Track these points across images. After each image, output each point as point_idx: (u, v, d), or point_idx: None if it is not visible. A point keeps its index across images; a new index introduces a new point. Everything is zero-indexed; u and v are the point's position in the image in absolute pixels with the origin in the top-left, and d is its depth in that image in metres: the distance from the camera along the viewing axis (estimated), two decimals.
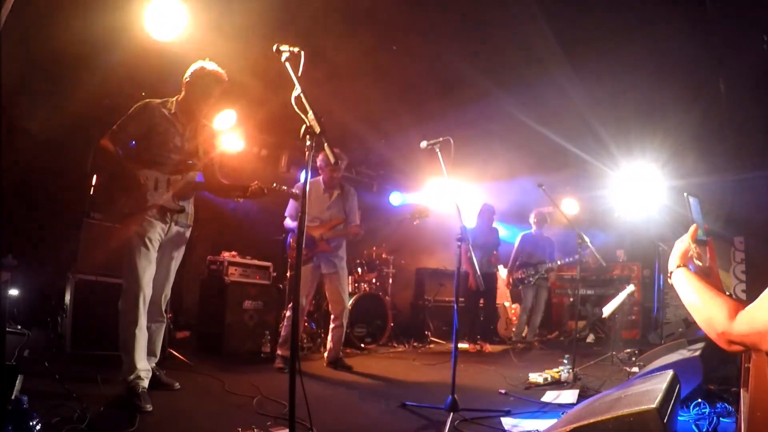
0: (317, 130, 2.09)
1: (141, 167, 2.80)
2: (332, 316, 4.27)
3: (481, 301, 6.25)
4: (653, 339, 6.69)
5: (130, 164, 2.78)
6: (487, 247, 6.24)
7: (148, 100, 2.92)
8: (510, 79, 4.83)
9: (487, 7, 3.85)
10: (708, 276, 1.38)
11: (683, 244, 1.42)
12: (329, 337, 4.29)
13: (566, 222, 6.53)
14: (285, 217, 4.28)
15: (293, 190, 3.28)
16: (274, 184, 3.10)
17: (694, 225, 1.46)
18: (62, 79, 4.18)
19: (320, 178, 4.27)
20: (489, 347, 6.06)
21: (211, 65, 2.90)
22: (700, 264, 1.40)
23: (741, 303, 1.17)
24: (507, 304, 7.59)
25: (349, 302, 5.36)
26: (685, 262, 1.38)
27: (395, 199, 8.24)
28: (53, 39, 3.73)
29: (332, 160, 2.43)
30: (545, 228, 6.76)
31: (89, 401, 2.44)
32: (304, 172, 2.12)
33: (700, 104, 5.00)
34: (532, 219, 6.77)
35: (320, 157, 4.09)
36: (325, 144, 2.20)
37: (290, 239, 4.29)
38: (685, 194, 1.52)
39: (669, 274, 1.38)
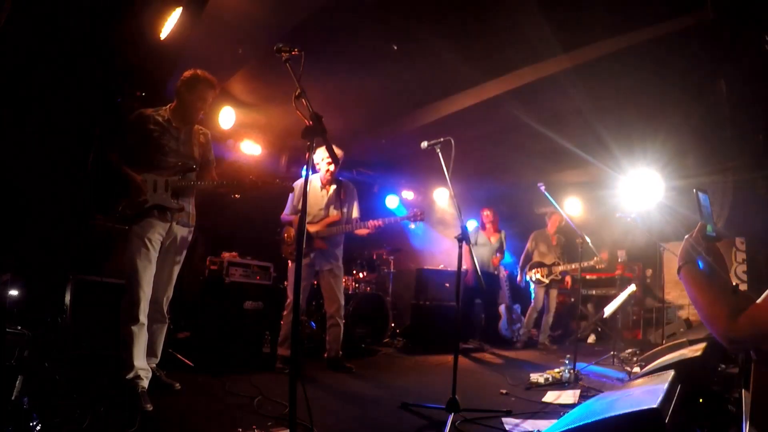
0: (317, 129, 2.10)
1: (140, 171, 2.88)
2: (327, 314, 4.26)
3: (478, 300, 6.24)
4: (655, 339, 6.68)
5: (130, 169, 2.86)
6: (489, 248, 6.23)
7: (141, 110, 3.03)
8: (511, 80, 4.83)
9: (489, 9, 3.84)
10: (716, 273, 1.36)
11: (691, 240, 1.41)
12: (327, 336, 4.28)
13: (567, 222, 6.55)
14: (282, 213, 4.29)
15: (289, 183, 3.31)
16: (277, 180, 3.13)
17: (702, 221, 1.44)
18: (62, 79, 4.18)
19: (317, 175, 4.28)
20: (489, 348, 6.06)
21: (203, 72, 3.02)
22: (708, 261, 1.38)
23: (746, 300, 1.16)
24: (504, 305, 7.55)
25: (350, 302, 5.37)
26: (693, 258, 1.37)
27: (391, 202, 8.23)
28: (54, 38, 3.73)
29: (333, 159, 2.45)
30: (560, 228, 6.70)
31: (89, 401, 2.44)
32: (304, 170, 2.12)
33: (702, 104, 4.99)
34: (547, 218, 6.76)
35: (315, 154, 4.09)
36: (325, 143, 2.22)
37: (284, 234, 4.28)
38: (695, 190, 1.50)
39: (677, 270, 1.38)
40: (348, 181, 4.42)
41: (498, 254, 6.30)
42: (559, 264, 6.46)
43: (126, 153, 2.92)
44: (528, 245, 6.73)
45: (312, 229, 4.13)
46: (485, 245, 6.27)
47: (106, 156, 2.92)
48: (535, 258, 6.60)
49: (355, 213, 4.34)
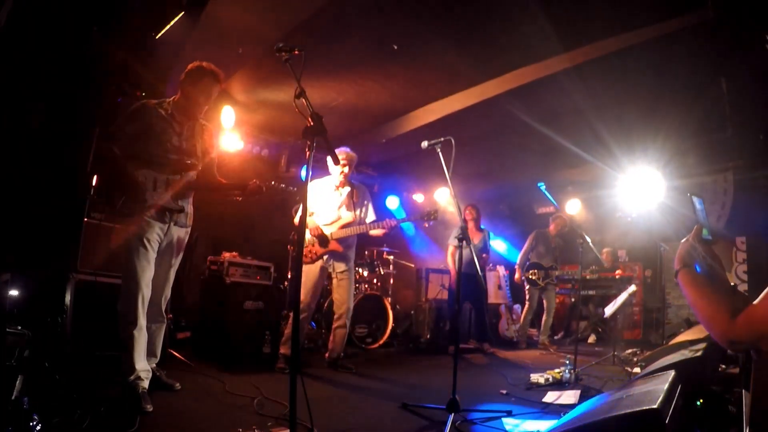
0: (318, 129, 2.10)
1: (140, 167, 2.79)
2: (335, 316, 4.25)
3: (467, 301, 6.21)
4: (655, 339, 6.68)
5: (129, 165, 2.78)
6: (474, 248, 6.19)
7: (144, 101, 2.92)
8: (511, 79, 4.82)
9: (490, 8, 3.84)
10: (713, 276, 1.37)
11: (687, 244, 1.42)
12: (331, 337, 4.27)
13: (570, 227, 6.56)
14: (295, 214, 4.29)
15: (291, 188, 3.28)
16: (272, 182, 3.10)
17: (698, 225, 1.45)
18: (62, 78, 4.18)
19: (330, 177, 4.28)
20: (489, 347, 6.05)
21: (208, 64, 2.92)
22: (705, 264, 1.39)
23: (745, 302, 1.16)
24: (504, 305, 7.52)
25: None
26: (690, 262, 1.37)
27: (391, 203, 8.23)
28: (54, 37, 3.74)
29: (334, 159, 2.45)
30: (562, 233, 6.65)
31: (89, 401, 2.44)
32: (304, 171, 2.12)
33: (702, 104, 4.99)
34: (551, 219, 6.73)
35: (329, 156, 4.10)
36: (326, 143, 2.21)
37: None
38: (689, 194, 1.51)
39: (675, 274, 1.38)
40: (361, 184, 4.42)
41: (484, 254, 6.16)
42: (555, 269, 6.45)
43: (126, 146, 2.78)
44: (528, 243, 6.69)
45: (326, 231, 4.14)
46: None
47: (107, 149, 2.80)
48: (533, 258, 6.57)
49: (372, 215, 4.32)
